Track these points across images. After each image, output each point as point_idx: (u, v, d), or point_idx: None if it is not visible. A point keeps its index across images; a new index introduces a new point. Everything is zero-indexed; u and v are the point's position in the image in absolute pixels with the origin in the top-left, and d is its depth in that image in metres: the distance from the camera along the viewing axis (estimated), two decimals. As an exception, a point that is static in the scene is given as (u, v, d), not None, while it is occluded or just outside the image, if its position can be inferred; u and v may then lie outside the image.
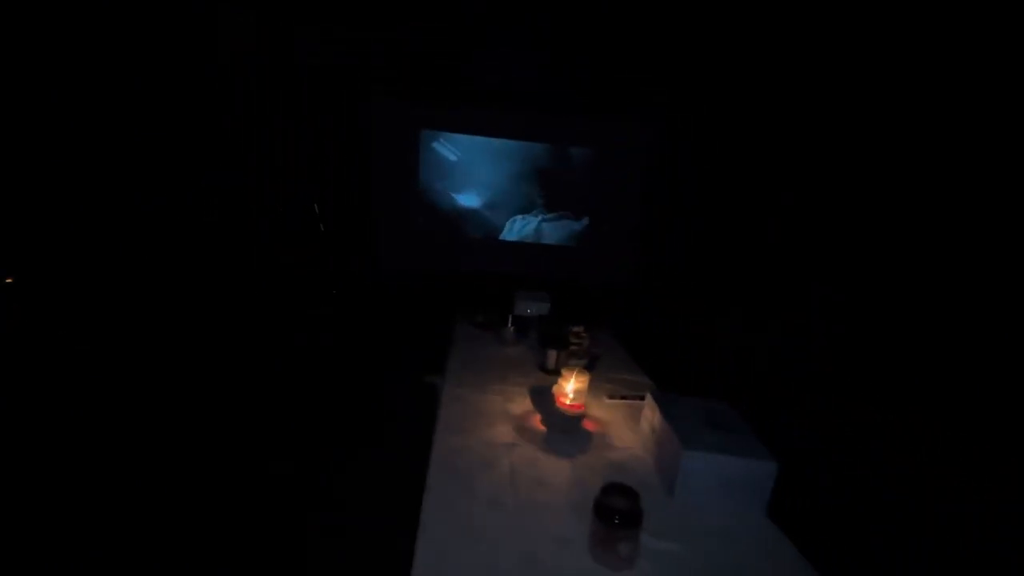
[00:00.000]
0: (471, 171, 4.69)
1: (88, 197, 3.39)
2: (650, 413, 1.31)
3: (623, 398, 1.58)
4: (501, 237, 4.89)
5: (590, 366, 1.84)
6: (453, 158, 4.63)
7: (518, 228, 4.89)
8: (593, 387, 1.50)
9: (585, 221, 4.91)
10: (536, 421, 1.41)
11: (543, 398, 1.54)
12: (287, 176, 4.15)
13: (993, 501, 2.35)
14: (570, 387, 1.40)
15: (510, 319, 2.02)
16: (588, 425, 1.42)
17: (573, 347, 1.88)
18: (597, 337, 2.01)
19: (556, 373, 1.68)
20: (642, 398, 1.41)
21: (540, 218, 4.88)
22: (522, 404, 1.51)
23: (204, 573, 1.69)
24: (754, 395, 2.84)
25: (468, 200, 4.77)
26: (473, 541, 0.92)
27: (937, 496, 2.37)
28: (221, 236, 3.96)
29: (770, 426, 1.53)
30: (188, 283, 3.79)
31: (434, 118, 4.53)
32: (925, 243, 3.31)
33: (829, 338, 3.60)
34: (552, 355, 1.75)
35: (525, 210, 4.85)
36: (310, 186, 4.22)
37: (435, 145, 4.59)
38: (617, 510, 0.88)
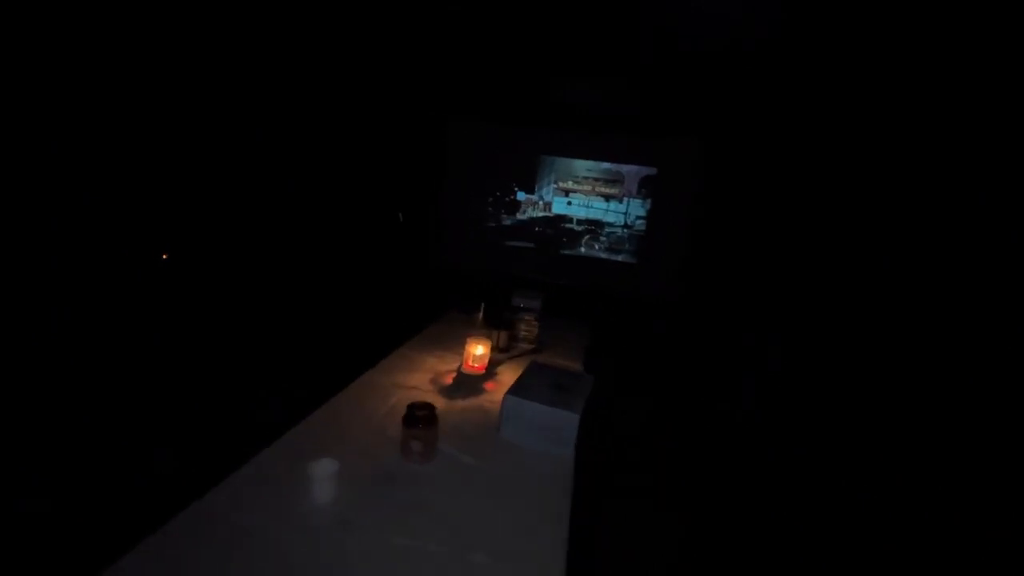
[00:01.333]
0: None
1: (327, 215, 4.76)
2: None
3: (511, 358, 1.89)
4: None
5: (536, 351, 2.16)
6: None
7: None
8: (523, 363, 1.83)
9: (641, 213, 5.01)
10: (449, 377, 1.80)
11: (468, 363, 1.91)
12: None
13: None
14: (476, 351, 1.76)
15: (482, 307, 2.41)
16: (488, 385, 1.76)
17: (524, 332, 2.22)
18: (572, 332, 2.33)
19: (499, 351, 2.04)
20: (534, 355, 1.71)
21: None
22: (450, 365, 1.90)
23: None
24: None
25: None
26: (340, 439, 1.35)
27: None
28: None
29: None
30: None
31: (511, 140, 5.08)
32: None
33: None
34: (495, 334, 2.10)
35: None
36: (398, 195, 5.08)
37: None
38: (415, 418, 1.25)
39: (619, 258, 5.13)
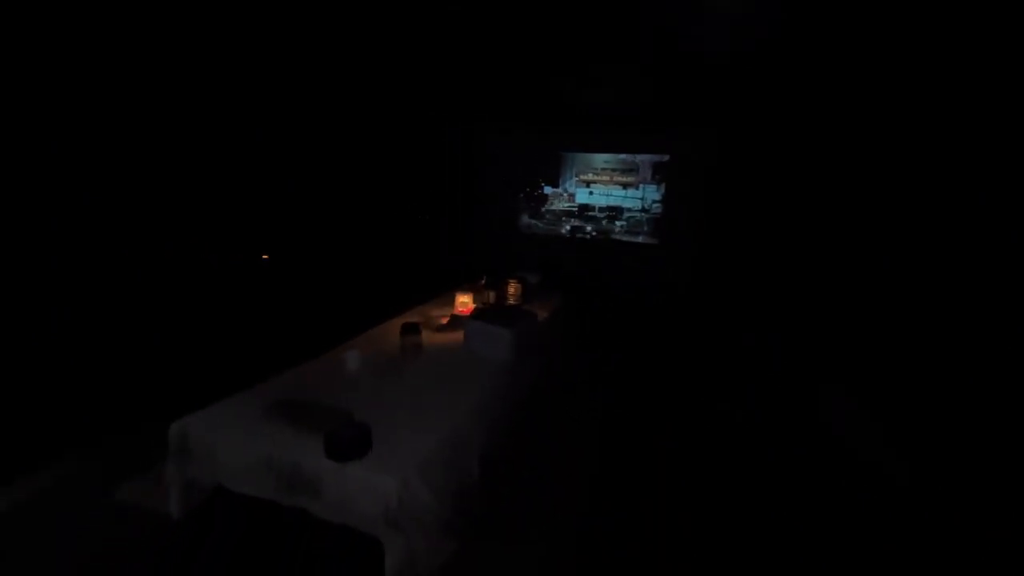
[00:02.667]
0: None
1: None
2: (489, 313, 2.36)
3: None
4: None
5: (518, 305, 2.89)
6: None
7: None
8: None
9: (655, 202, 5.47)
10: (444, 319, 2.58)
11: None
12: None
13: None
14: (462, 300, 2.53)
15: (484, 277, 3.17)
16: (472, 323, 2.52)
17: (510, 292, 2.95)
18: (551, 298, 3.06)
19: (488, 303, 2.80)
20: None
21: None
22: (447, 312, 2.69)
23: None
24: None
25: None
26: (369, 345, 2.20)
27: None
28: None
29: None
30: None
31: (536, 140, 5.78)
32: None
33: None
34: (486, 292, 2.86)
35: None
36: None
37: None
38: (405, 328, 2.05)
39: (639, 239, 5.64)
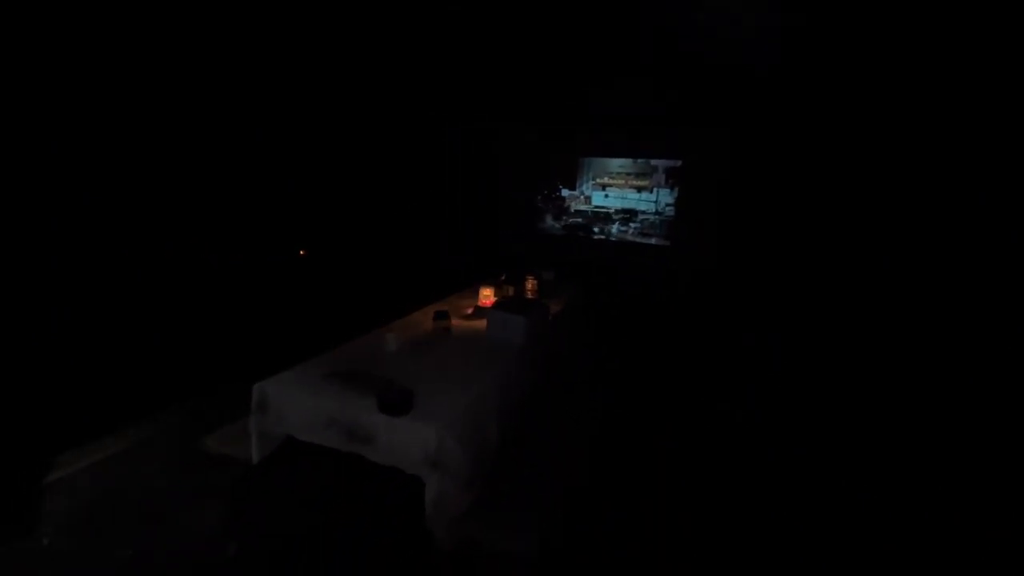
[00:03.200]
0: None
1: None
2: (508, 305, 2.70)
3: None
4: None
5: (535, 298, 3.23)
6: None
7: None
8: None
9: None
10: (469, 309, 2.93)
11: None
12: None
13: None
14: (484, 292, 2.88)
15: (504, 274, 3.50)
16: (493, 314, 2.86)
17: (528, 287, 3.29)
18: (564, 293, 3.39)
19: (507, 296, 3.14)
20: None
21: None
22: (472, 304, 3.03)
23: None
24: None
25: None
26: (405, 330, 2.56)
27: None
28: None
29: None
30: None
31: (554, 145, 6.10)
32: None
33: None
34: (506, 287, 3.19)
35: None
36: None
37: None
38: (438, 314, 2.41)
39: (652, 241, 5.90)
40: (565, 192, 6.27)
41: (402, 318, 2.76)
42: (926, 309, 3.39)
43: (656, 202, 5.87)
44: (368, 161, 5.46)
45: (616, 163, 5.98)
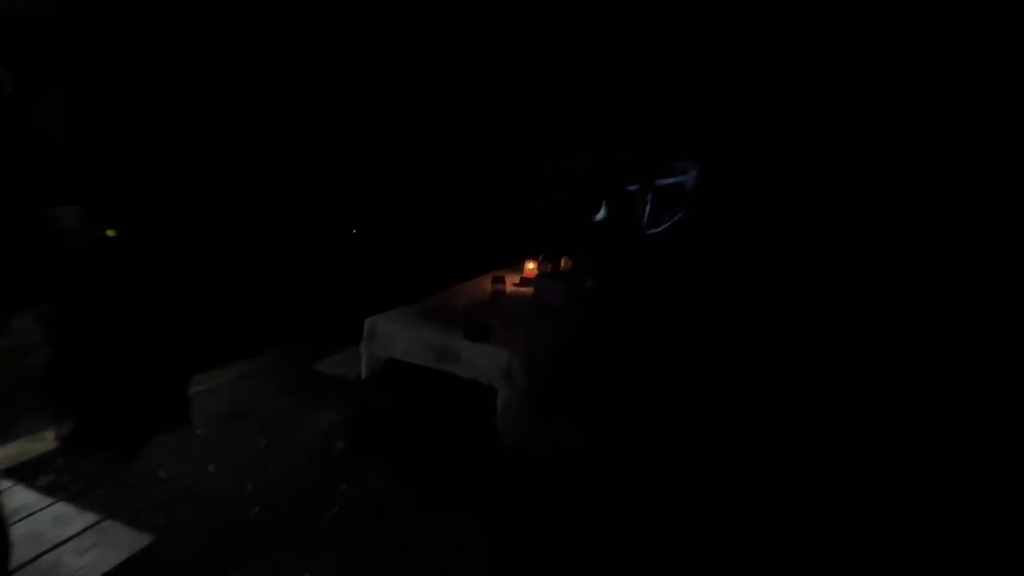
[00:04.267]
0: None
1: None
2: (550, 275, 3.33)
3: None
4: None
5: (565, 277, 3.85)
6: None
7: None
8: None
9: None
10: (517, 278, 3.56)
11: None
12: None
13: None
14: (529, 265, 3.52)
15: (542, 254, 4.12)
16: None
17: (563, 264, 3.91)
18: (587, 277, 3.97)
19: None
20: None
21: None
22: (519, 275, 3.66)
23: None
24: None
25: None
26: (466, 297, 3.21)
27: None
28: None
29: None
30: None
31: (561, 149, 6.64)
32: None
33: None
34: (545, 263, 3.82)
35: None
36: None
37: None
38: (495, 278, 3.04)
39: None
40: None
41: (465, 282, 3.42)
42: (926, 309, 3.41)
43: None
44: (368, 161, 5.52)
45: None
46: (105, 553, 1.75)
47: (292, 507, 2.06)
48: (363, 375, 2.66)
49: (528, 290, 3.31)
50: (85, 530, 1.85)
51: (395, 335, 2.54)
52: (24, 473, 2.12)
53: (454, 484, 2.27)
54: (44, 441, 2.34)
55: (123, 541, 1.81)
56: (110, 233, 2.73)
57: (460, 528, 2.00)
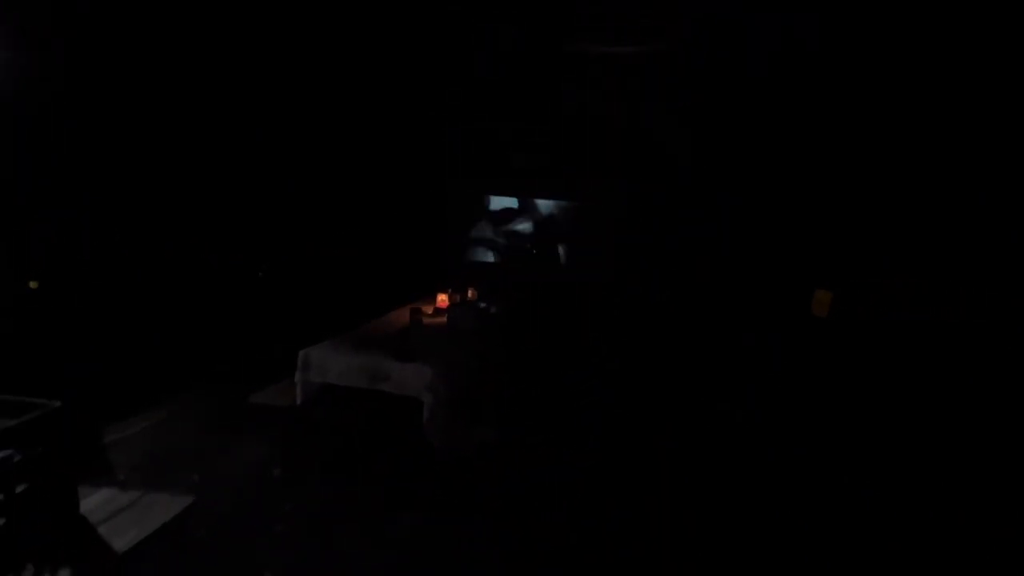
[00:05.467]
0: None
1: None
2: (460, 304, 3.87)
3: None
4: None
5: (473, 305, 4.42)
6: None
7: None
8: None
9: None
10: (430, 309, 4.04)
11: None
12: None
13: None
14: (440, 296, 4.03)
15: (449, 288, 4.66)
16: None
17: (470, 295, 4.48)
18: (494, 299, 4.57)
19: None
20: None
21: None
22: (432, 305, 4.15)
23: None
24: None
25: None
26: (385, 327, 3.62)
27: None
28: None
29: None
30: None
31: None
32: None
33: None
34: (454, 295, 4.35)
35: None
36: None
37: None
38: (414, 312, 3.51)
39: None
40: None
41: (380, 317, 3.82)
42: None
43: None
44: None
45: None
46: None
47: (239, 525, 2.16)
48: (298, 402, 2.93)
49: (442, 319, 3.82)
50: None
51: (329, 362, 2.88)
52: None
53: (390, 486, 2.64)
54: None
55: None
56: (32, 285, 2.68)
57: (408, 522, 2.24)
